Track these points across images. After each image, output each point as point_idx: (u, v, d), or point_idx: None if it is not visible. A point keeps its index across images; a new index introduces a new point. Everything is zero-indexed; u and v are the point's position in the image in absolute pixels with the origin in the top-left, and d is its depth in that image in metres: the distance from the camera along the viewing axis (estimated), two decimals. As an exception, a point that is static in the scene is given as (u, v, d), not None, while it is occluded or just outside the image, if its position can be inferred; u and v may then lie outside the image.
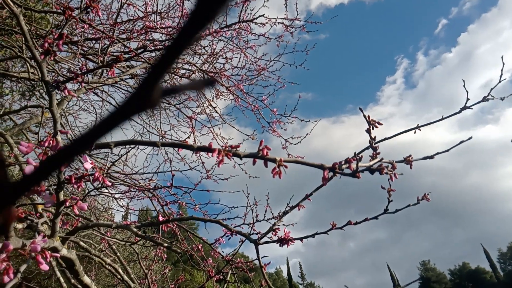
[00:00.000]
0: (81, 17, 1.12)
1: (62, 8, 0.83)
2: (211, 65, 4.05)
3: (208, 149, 0.68)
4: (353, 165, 0.72)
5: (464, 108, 1.17)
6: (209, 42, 4.01)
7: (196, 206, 3.11)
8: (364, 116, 0.83)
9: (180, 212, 3.46)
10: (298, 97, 3.79)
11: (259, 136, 4.32)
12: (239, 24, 3.86)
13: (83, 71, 0.82)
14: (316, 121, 3.88)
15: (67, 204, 0.79)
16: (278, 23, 4.05)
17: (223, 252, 2.43)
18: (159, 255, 2.70)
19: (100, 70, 2.32)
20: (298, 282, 34.56)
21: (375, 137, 0.84)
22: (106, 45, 2.56)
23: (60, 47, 0.80)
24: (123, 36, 3.13)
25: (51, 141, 0.80)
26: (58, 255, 0.78)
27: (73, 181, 0.78)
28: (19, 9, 0.79)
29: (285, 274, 34.24)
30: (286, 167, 0.74)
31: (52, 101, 0.80)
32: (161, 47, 3.44)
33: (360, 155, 0.75)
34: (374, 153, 0.81)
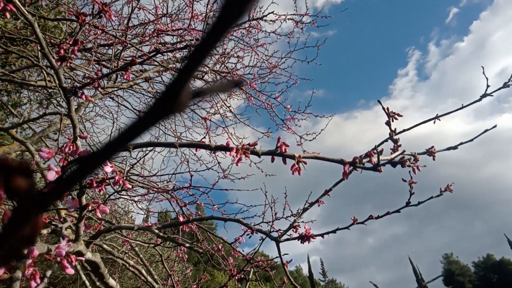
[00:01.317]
0: (94, 23, 1.14)
1: (75, 15, 0.84)
2: (223, 65, 4.05)
3: (226, 148, 0.67)
4: (374, 159, 0.71)
5: (485, 95, 1.13)
6: (220, 42, 4.01)
7: (215, 206, 3.12)
8: (383, 108, 0.81)
9: (199, 212, 3.48)
10: (312, 92, 3.76)
11: (274, 134, 4.30)
12: (249, 22, 3.86)
13: (98, 76, 0.83)
14: (330, 116, 3.84)
15: (90, 208, 0.80)
16: (288, 19, 4.02)
17: (243, 251, 2.43)
18: (180, 256, 2.72)
19: (114, 75, 2.34)
20: (319, 279, 34.41)
21: (395, 129, 0.82)
22: (119, 50, 2.59)
23: (75, 53, 0.81)
24: (135, 40, 3.16)
25: (71, 146, 0.81)
26: (83, 258, 0.79)
27: (94, 185, 0.79)
28: (34, 18, 0.81)
29: (305, 271, 34.13)
30: (305, 163, 0.73)
31: (70, 107, 0.81)
32: (172, 49, 3.46)
33: (380, 148, 0.73)
34: (395, 145, 0.79)
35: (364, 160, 0.71)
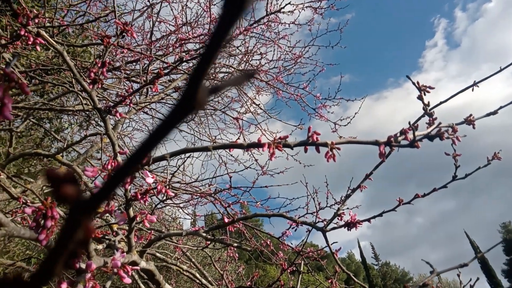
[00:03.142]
0: (119, 43, 1.18)
1: (100, 38, 0.88)
2: (247, 64, 4.07)
3: (258, 145, 0.68)
4: (410, 135, 0.69)
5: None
6: (242, 41, 4.02)
7: (258, 203, 3.15)
8: (413, 83, 0.79)
9: (243, 211, 3.53)
10: (340, 77, 3.69)
11: (307, 124, 4.27)
12: (267, 17, 3.84)
13: (129, 93, 0.87)
14: (362, 98, 3.76)
15: (138, 219, 0.84)
16: (306, 7, 3.97)
17: (291, 244, 2.44)
18: (231, 255, 2.78)
19: (145, 89, 2.42)
20: (372, 263, 33.79)
21: (428, 102, 0.79)
22: (146, 65, 2.67)
23: (105, 75, 0.85)
24: (160, 52, 3.24)
25: (112, 163, 0.86)
26: (138, 267, 0.83)
27: (139, 197, 0.82)
28: (62, 47, 0.85)
29: (357, 257, 33.66)
30: (339, 149, 0.73)
31: (107, 126, 0.85)
32: (197, 55, 3.52)
33: (416, 124, 0.71)
34: (431, 119, 0.76)
35: (400, 138, 0.69)
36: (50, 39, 0.82)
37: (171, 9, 3.21)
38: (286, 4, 3.81)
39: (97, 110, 0.85)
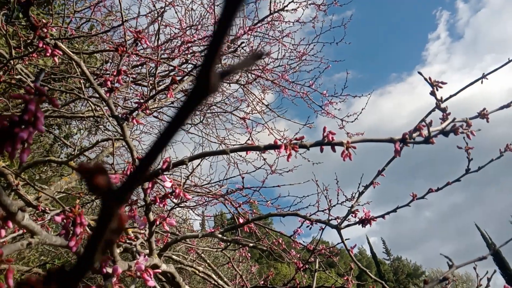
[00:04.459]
0: (131, 50, 1.20)
1: (115, 47, 0.90)
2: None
3: (275, 146, 0.69)
4: (424, 132, 0.70)
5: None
6: (246, 41, 4.03)
7: (268, 202, 3.16)
8: (426, 79, 0.79)
9: (254, 210, 3.54)
10: (346, 74, 3.69)
11: (313, 120, 4.26)
12: (271, 16, 3.85)
13: (144, 99, 0.88)
14: (368, 94, 3.76)
15: (157, 223, 0.85)
16: (310, 4, 3.97)
17: (303, 241, 2.45)
18: (244, 255, 2.80)
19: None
20: (384, 258, 33.64)
21: (441, 98, 0.80)
22: (153, 68, 2.69)
23: (120, 82, 0.86)
24: (165, 55, 3.26)
25: (131, 168, 0.87)
26: (159, 270, 0.85)
27: (158, 201, 0.84)
28: (79, 57, 0.87)
29: (368, 253, 33.50)
30: (354, 148, 0.74)
31: (124, 132, 0.87)
32: (201, 56, 3.52)
33: (429, 120, 0.72)
34: (445, 114, 0.77)
35: (414, 135, 0.70)
36: (67, 50, 0.84)
37: (175, 12, 3.22)
38: (290, 2, 3.81)
39: (115, 117, 0.86)
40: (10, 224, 0.44)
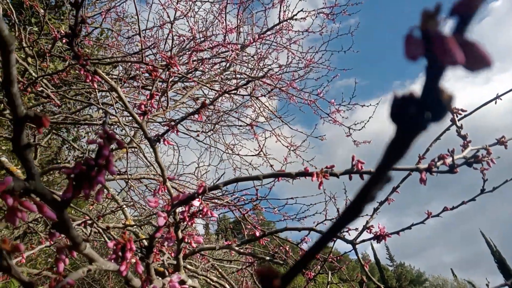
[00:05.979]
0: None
1: (148, 72, 0.93)
2: (261, 71, 4.10)
3: (307, 174, 0.72)
4: (448, 161, 0.73)
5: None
6: (255, 48, 4.07)
7: (275, 209, 3.19)
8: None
9: (261, 217, 3.56)
10: (354, 82, 3.72)
11: (319, 127, 4.30)
12: (281, 24, 3.89)
13: (175, 122, 0.92)
14: (376, 104, 3.79)
15: (186, 240, 0.89)
16: (319, 13, 4.01)
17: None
18: (249, 260, 2.81)
19: (165, 102, 2.47)
20: (387, 264, 33.52)
21: (461, 125, 0.83)
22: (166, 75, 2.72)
23: (153, 105, 0.90)
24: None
25: (162, 188, 0.91)
26: (186, 286, 0.88)
27: (187, 219, 0.87)
28: (116, 83, 0.91)
29: (371, 258, 33.38)
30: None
31: (156, 154, 0.91)
32: (211, 64, 3.58)
33: (452, 148, 0.75)
34: (465, 142, 0.80)
35: (438, 164, 0.73)
36: (105, 76, 0.88)
37: (187, 21, 3.27)
38: (299, 11, 3.85)
39: (148, 139, 0.90)
40: (75, 254, 0.48)
